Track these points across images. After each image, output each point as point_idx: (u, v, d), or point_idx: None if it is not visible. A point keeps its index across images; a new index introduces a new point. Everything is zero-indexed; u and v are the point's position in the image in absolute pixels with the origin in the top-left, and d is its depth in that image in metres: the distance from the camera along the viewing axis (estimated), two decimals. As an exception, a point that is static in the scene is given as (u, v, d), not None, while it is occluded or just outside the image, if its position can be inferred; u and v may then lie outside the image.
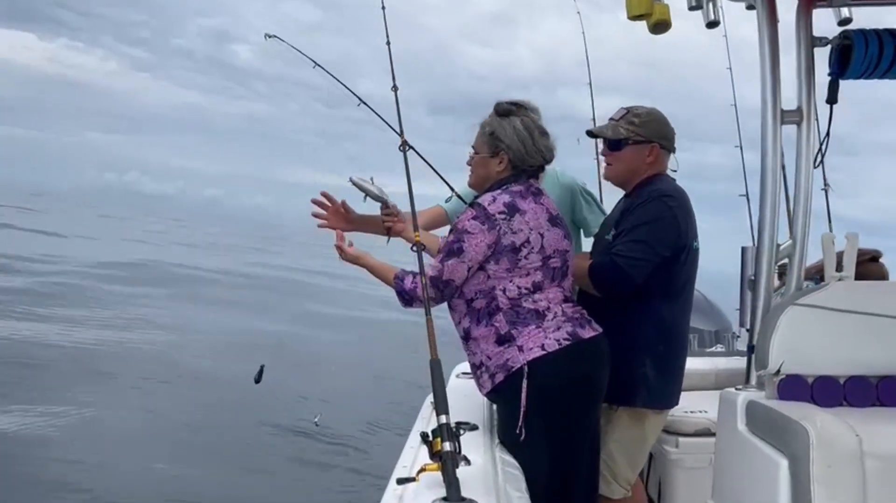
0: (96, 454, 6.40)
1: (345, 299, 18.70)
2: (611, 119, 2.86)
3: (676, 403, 2.86)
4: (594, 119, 4.97)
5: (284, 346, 11.48)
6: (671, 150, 2.84)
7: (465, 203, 3.08)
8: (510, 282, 2.45)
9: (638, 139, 2.77)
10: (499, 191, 2.51)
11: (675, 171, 2.87)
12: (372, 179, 2.81)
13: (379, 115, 3.07)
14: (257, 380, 2.95)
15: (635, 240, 2.63)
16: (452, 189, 3.26)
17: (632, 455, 2.81)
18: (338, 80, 3.19)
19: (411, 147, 2.84)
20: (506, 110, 2.58)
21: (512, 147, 2.54)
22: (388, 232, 2.89)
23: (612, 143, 2.81)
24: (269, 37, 3.47)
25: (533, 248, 2.45)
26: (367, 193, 2.80)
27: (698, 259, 2.81)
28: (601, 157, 2.95)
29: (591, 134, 2.88)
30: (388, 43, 3.03)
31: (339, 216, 2.91)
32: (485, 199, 2.49)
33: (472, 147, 2.65)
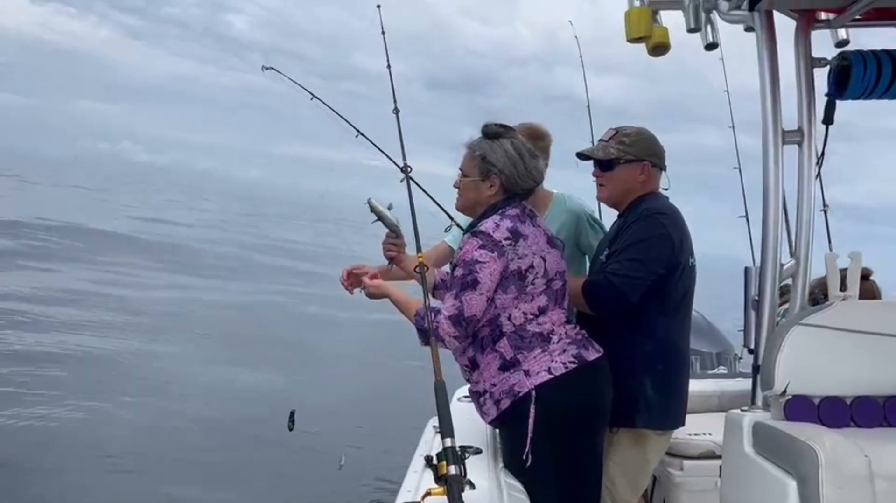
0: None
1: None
2: (600, 140, 2.88)
3: (682, 424, 2.83)
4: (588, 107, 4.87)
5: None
6: (662, 167, 2.86)
7: (464, 230, 3.08)
8: (516, 308, 2.43)
9: (629, 158, 2.78)
10: (497, 216, 2.48)
11: (666, 188, 2.88)
12: (390, 206, 2.79)
13: (378, 148, 3.07)
14: (290, 428, 2.92)
15: (630, 258, 2.63)
16: (451, 217, 3.25)
17: (633, 478, 2.77)
18: (337, 114, 3.19)
19: (411, 179, 2.81)
20: (494, 132, 2.56)
21: (504, 171, 2.51)
22: (391, 260, 2.88)
23: (604, 164, 2.82)
24: (266, 69, 3.47)
25: (537, 272, 2.44)
26: (383, 220, 2.80)
27: (695, 276, 2.81)
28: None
29: (581, 156, 2.88)
30: (389, 66, 3.04)
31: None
32: (487, 227, 2.45)
33: (460, 169, 2.62)
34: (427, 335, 2.38)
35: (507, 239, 2.41)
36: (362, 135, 3.13)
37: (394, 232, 2.82)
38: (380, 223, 2.82)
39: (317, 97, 3.26)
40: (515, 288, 2.41)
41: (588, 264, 3.24)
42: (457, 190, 2.65)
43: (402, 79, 2.91)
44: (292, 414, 2.89)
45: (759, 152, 2.63)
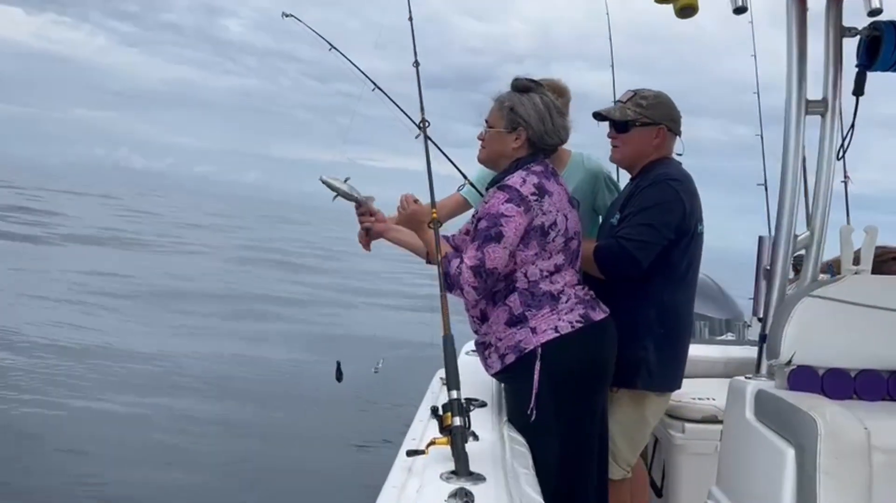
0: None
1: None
2: (618, 101, 2.85)
3: (679, 387, 2.88)
4: (614, 92, 4.83)
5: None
6: (678, 132, 2.84)
7: (478, 191, 3.07)
8: (533, 264, 2.44)
9: (645, 121, 2.77)
10: (524, 171, 2.47)
11: (680, 154, 2.86)
12: (346, 179, 2.70)
13: (394, 103, 3.04)
14: (339, 379, 2.91)
15: (642, 223, 2.64)
16: (465, 177, 3.24)
17: (632, 437, 2.83)
18: (354, 65, 3.16)
19: (426, 136, 2.75)
20: (525, 86, 2.54)
21: (532, 124, 2.50)
22: (367, 233, 2.77)
23: (619, 125, 2.81)
24: (287, 16, 3.42)
25: (559, 229, 2.44)
26: (338, 192, 2.69)
27: (702, 243, 2.81)
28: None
29: (598, 116, 2.85)
30: (411, 19, 3.00)
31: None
32: (514, 181, 2.44)
33: (486, 121, 2.59)
34: (449, 283, 2.39)
35: (533, 194, 2.41)
36: (379, 88, 3.11)
37: (357, 202, 2.72)
38: (341, 200, 2.71)
39: (335, 48, 3.25)
40: (537, 244, 2.42)
41: (601, 222, 3.25)
42: (480, 142, 2.63)
43: (394, 76, 2.89)
44: (339, 364, 2.90)
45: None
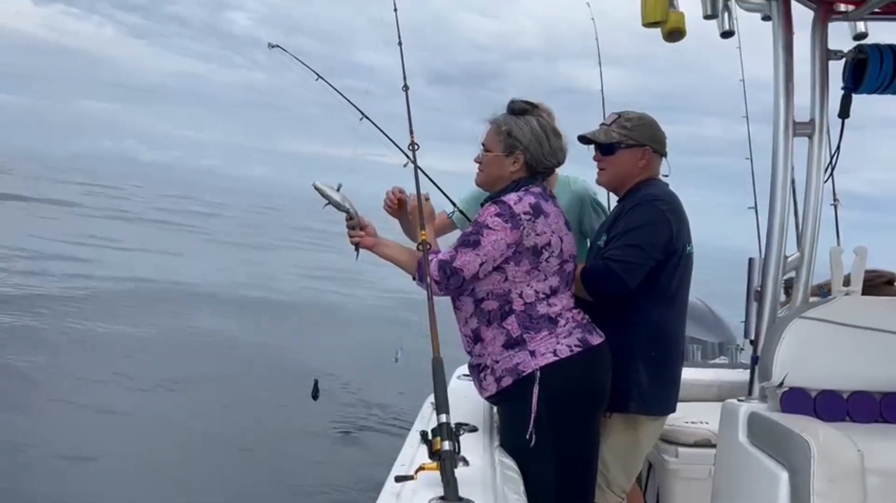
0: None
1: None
2: (602, 124, 2.87)
3: (673, 410, 2.85)
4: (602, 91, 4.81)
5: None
6: (663, 153, 2.85)
7: (467, 218, 3.06)
8: (528, 285, 2.43)
9: (630, 143, 2.78)
10: (522, 191, 2.48)
11: (667, 175, 2.87)
12: (339, 187, 2.59)
13: (382, 131, 3.05)
14: (315, 397, 2.88)
15: (628, 244, 2.63)
16: (454, 204, 3.24)
17: (626, 462, 2.80)
18: (341, 95, 3.17)
19: (416, 164, 2.69)
20: (521, 109, 2.55)
21: (529, 148, 2.50)
22: (356, 248, 2.64)
23: (605, 148, 2.82)
24: (273, 47, 3.44)
25: (554, 251, 2.44)
26: (329, 201, 2.57)
27: (692, 263, 2.81)
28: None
29: (583, 139, 2.86)
30: (400, 43, 3.01)
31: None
32: (510, 198, 2.44)
33: (483, 144, 2.60)
34: (420, 272, 2.40)
35: (526, 213, 2.40)
36: (366, 117, 3.11)
37: (346, 212, 2.59)
38: (332, 209, 2.59)
39: (322, 77, 3.25)
40: (529, 262, 2.41)
41: (588, 246, 3.25)
42: (477, 165, 2.63)
43: (398, 76, 2.88)
44: (316, 383, 2.86)
45: (767, 143, 2.62)
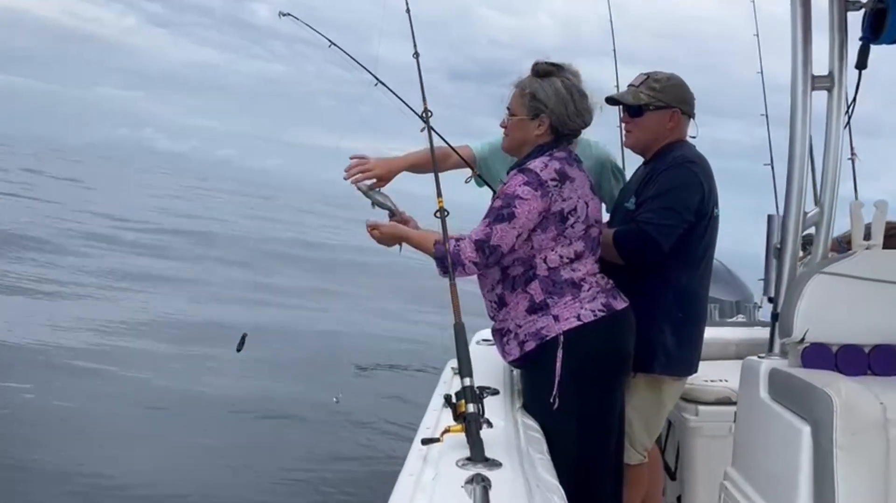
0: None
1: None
2: (630, 85, 2.83)
3: (696, 371, 2.87)
4: (617, 87, 4.84)
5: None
6: (691, 115, 2.82)
7: (485, 182, 3.05)
8: (552, 251, 2.42)
9: (658, 104, 2.75)
10: (546, 157, 2.45)
11: (694, 136, 2.84)
12: (380, 189, 2.77)
13: (396, 95, 3.01)
14: (239, 349, 2.96)
15: (663, 206, 2.62)
16: (472, 168, 3.21)
17: (649, 421, 2.82)
18: (354, 60, 3.12)
19: (429, 126, 2.73)
20: (546, 71, 2.50)
21: (554, 110, 2.46)
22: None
23: (633, 110, 2.79)
24: (284, 15, 3.40)
25: (579, 216, 2.43)
26: (374, 201, 2.75)
27: (718, 226, 2.80)
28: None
29: (611, 101, 2.82)
30: (408, 10, 2.97)
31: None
32: (536, 165, 2.42)
33: (508, 108, 2.57)
34: (447, 263, 2.37)
35: (553, 180, 2.39)
36: (381, 82, 3.09)
37: (389, 210, 2.76)
38: (378, 208, 2.77)
39: (335, 44, 3.21)
40: (555, 228, 2.40)
41: (603, 211, 3.22)
42: (503, 130, 2.61)
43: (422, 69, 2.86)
44: (243, 337, 2.93)
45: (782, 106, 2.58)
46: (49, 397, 6.75)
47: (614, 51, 4.90)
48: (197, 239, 20.00)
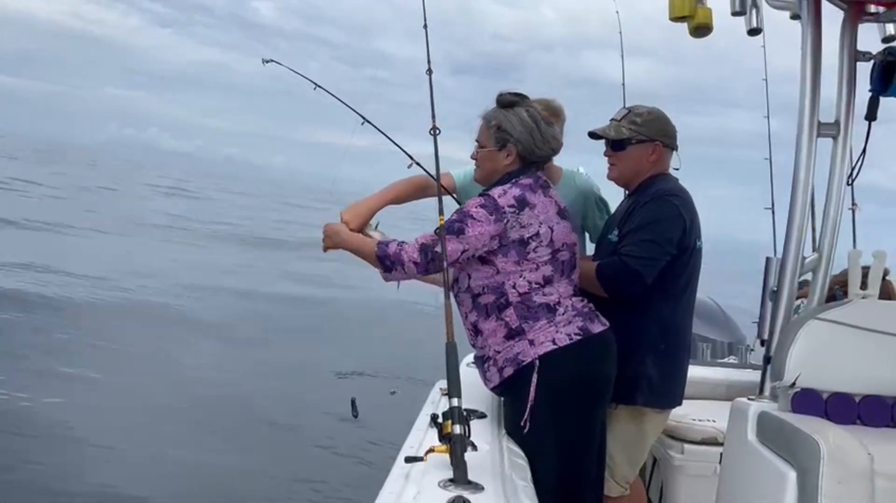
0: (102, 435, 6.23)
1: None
2: (612, 120, 2.87)
3: (679, 404, 2.86)
4: (623, 83, 4.76)
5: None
6: (674, 147, 2.85)
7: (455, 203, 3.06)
8: (520, 276, 2.44)
9: (640, 138, 2.78)
10: (508, 184, 2.50)
11: (677, 169, 2.88)
12: (377, 225, 2.80)
13: (384, 134, 3.08)
14: (355, 416, 2.93)
15: (644, 239, 2.64)
16: (458, 202, 3.22)
17: (631, 453, 2.81)
18: (341, 101, 3.18)
19: (436, 144, 2.70)
20: (509, 101, 2.56)
21: (520, 139, 2.52)
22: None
23: (615, 144, 2.82)
24: (267, 62, 3.44)
25: (542, 241, 2.45)
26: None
27: (701, 258, 2.81)
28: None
29: (593, 135, 2.86)
30: (426, 27, 3.00)
31: None
32: (495, 192, 2.47)
33: (477, 141, 2.63)
34: (388, 263, 2.45)
35: (511, 206, 2.43)
36: (368, 122, 3.12)
37: None
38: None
39: (320, 86, 3.26)
40: (516, 253, 2.43)
41: (588, 242, 3.23)
42: (474, 161, 2.66)
43: (424, 62, 2.87)
44: (353, 402, 2.89)
45: (788, 140, 2.60)
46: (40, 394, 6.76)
47: (621, 44, 4.86)
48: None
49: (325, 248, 2.75)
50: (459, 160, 3.00)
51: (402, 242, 2.48)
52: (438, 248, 2.39)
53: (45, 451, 5.71)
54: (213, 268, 15.87)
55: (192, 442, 6.31)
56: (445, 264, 2.40)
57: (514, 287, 2.44)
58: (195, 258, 17.01)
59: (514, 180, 2.51)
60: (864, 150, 2.65)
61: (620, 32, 4.89)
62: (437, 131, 2.72)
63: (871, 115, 2.60)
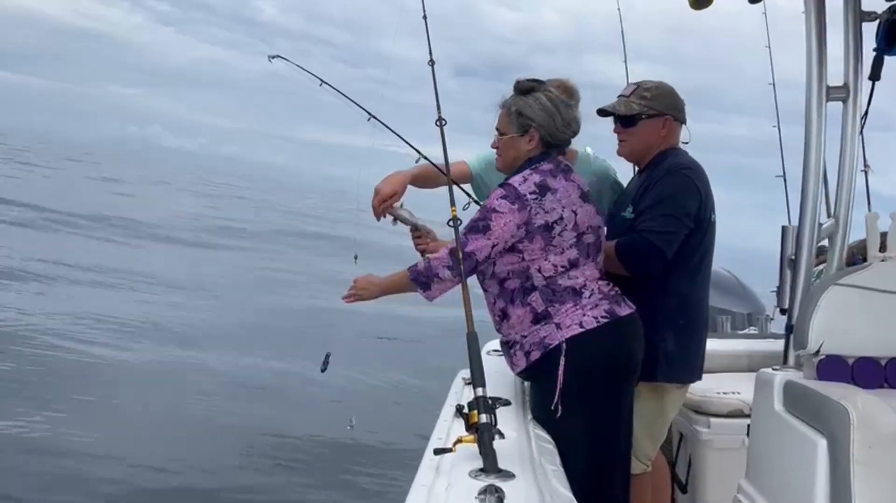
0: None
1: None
2: (621, 95, 2.84)
3: (699, 378, 2.86)
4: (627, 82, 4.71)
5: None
6: (683, 121, 2.83)
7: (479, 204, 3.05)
8: (545, 260, 2.44)
9: (651, 113, 2.76)
10: (528, 171, 2.49)
11: (686, 142, 2.85)
12: (402, 205, 2.84)
13: (391, 130, 3.07)
14: (323, 370, 2.94)
15: (662, 214, 2.62)
16: (469, 195, 3.21)
17: (652, 430, 2.81)
18: (347, 98, 3.16)
19: (444, 136, 2.74)
20: (528, 87, 2.55)
21: (542, 124, 2.51)
22: (422, 255, 2.79)
23: (625, 120, 2.80)
24: (273, 58, 3.42)
25: (566, 225, 2.44)
26: (398, 218, 2.84)
27: (715, 232, 2.80)
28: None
29: (602, 112, 2.84)
30: (425, 17, 2.98)
31: None
32: (515, 180, 2.47)
33: (497, 129, 2.61)
34: (423, 281, 2.46)
35: (532, 193, 2.42)
36: (374, 117, 3.11)
37: (413, 225, 2.85)
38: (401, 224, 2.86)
39: (326, 83, 3.23)
40: (542, 239, 2.42)
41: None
42: (495, 150, 2.64)
43: (426, 64, 2.87)
44: (327, 357, 2.90)
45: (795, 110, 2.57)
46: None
47: (624, 46, 4.83)
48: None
49: (356, 300, 2.74)
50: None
51: (429, 257, 2.49)
52: (468, 249, 2.39)
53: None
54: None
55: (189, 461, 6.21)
56: (460, 254, 2.39)
57: (539, 271, 2.44)
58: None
59: (533, 166, 2.51)
60: (866, 112, 2.62)
61: (622, 32, 4.85)
62: (444, 122, 2.73)
63: (875, 75, 2.57)
